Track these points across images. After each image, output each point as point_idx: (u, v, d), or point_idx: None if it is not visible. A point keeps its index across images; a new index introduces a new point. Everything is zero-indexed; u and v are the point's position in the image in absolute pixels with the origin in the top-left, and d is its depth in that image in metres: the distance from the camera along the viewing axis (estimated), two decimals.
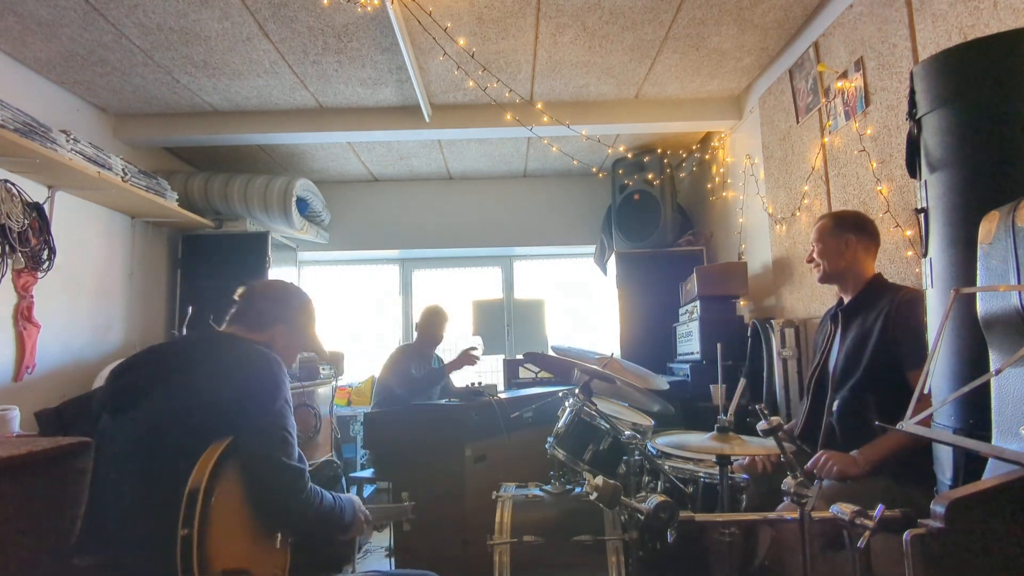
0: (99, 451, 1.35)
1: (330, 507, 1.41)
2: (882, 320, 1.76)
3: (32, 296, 2.86)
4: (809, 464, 1.69)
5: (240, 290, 1.61)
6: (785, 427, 1.53)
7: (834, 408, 1.83)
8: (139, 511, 1.24)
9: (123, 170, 3.20)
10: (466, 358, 3.42)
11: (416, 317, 3.72)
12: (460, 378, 3.80)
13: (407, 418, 2.54)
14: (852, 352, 1.82)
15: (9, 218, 2.67)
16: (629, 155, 4.15)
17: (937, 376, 1.27)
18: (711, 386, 1.75)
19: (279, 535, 1.36)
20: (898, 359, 1.71)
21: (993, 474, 1.02)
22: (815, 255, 1.98)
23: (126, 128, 3.64)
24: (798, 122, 2.92)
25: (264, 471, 1.28)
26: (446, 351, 4.01)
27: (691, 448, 1.73)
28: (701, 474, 1.91)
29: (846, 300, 1.96)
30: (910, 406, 1.08)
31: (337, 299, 5.35)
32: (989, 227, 1.07)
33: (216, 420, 1.29)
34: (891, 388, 1.69)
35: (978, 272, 1.10)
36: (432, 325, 3.60)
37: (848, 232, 1.93)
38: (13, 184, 2.74)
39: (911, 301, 1.75)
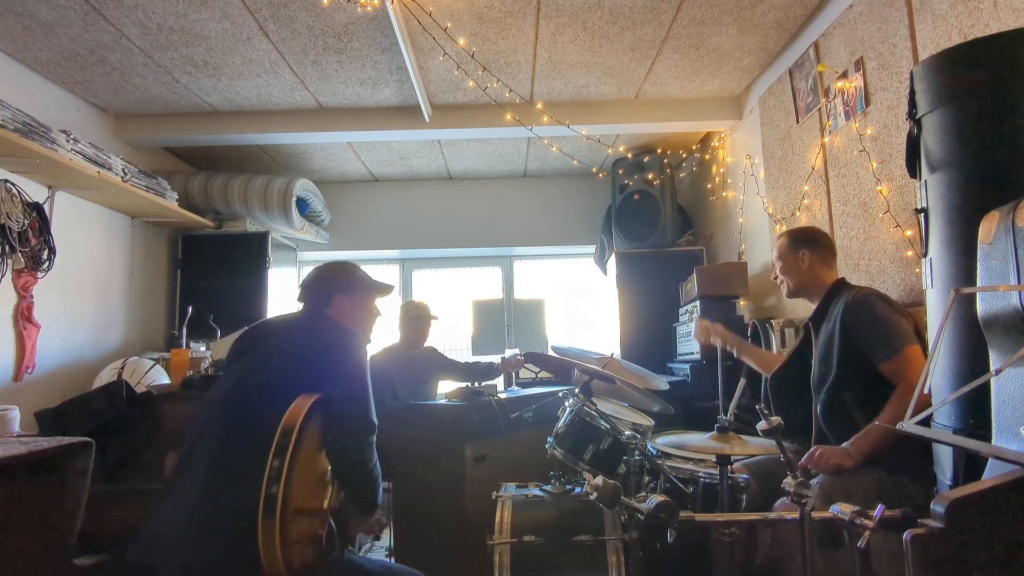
0: (207, 397, 1.59)
1: (378, 474, 1.59)
2: (839, 322, 1.83)
3: (32, 296, 2.86)
4: (803, 460, 1.70)
5: (302, 281, 1.83)
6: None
7: (818, 412, 1.89)
8: (228, 444, 1.42)
9: (123, 170, 3.20)
10: (515, 364, 3.37)
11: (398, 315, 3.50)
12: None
13: (407, 418, 2.53)
14: (823, 357, 1.90)
15: (9, 218, 2.67)
16: (629, 155, 4.15)
17: (937, 376, 1.27)
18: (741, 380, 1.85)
19: (329, 493, 1.49)
20: (865, 355, 1.76)
21: (993, 474, 1.02)
22: (778, 272, 2.12)
23: (126, 128, 3.63)
24: (798, 122, 2.92)
25: (344, 415, 1.47)
26: (447, 351, 3.99)
27: (691, 448, 1.73)
28: (701, 474, 1.92)
29: (814, 309, 2.05)
30: (910, 407, 1.08)
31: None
32: (989, 227, 1.07)
33: (303, 372, 1.50)
34: (864, 383, 1.76)
35: (978, 272, 1.10)
36: (426, 326, 3.42)
37: (802, 247, 2.05)
38: (13, 184, 2.74)
39: (860, 299, 1.82)
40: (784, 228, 3.07)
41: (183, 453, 1.47)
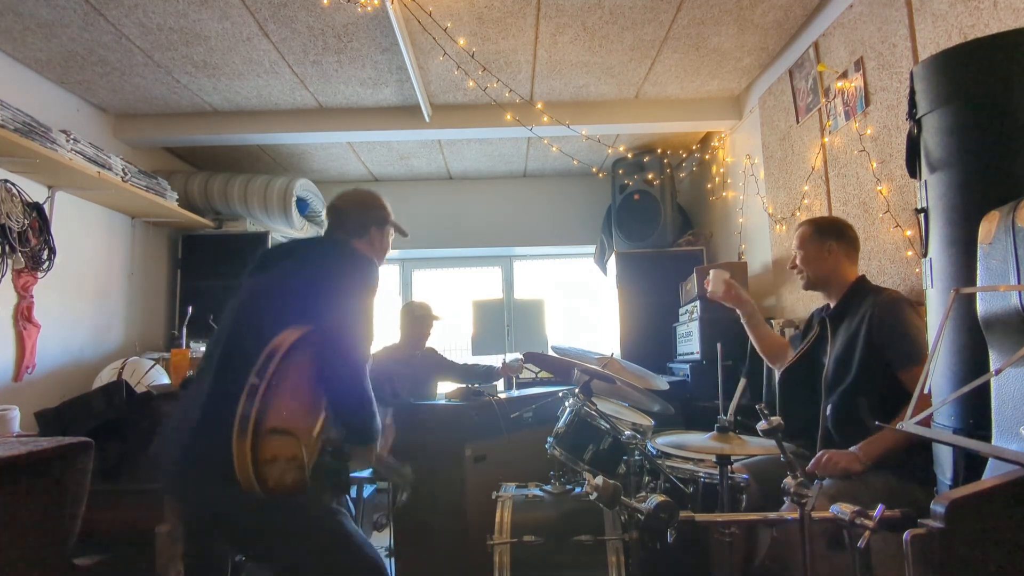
0: (225, 309, 1.61)
1: (371, 405, 1.51)
2: (866, 325, 1.79)
3: (32, 296, 2.86)
4: (811, 465, 1.69)
5: (331, 203, 1.82)
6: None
7: (828, 413, 1.85)
8: (225, 358, 1.46)
9: (123, 170, 3.20)
10: (515, 368, 3.33)
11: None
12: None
13: (407, 418, 2.53)
14: (841, 357, 1.85)
15: (9, 218, 2.67)
16: (629, 155, 4.15)
17: (937, 376, 1.27)
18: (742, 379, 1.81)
19: (320, 421, 1.47)
20: (887, 361, 1.73)
21: (993, 474, 1.02)
22: (798, 262, 2.02)
23: (126, 128, 3.63)
24: (798, 122, 2.92)
25: (339, 343, 1.44)
26: (447, 351, 3.99)
27: (691, 448, 1.73)
28: (701, 474, 1.91)
29: (832, 305, 1.99)
30: (910, 406, 1.08)
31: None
32: (989, 227, 1.07)
33: (312, 298, 1.49)
34: (882, 390, 1.72)
35: (978, 272, 1.10)
36: (428, 326, 3.40)
37: (829, 239, 1.97)
38: (13, 184, 2.74)
39: (891, 303, 1.78)
40: (784, 228, 3.07)
41: (201, 360, 1.56)
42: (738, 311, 2.26)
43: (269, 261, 1.66)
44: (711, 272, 2.27)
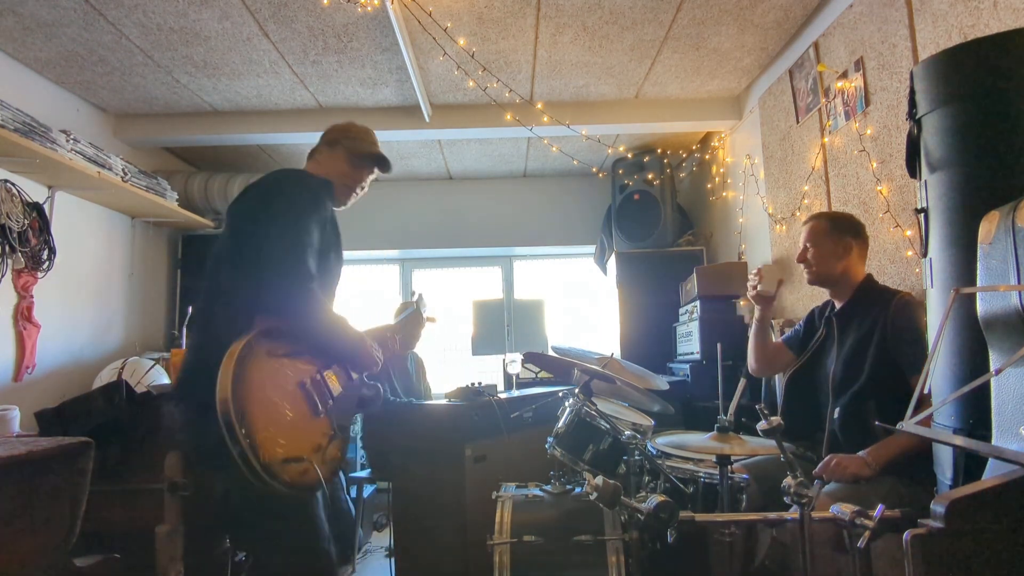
0: None
1: (324, 319, 1.53)
2: (879, 327, 1.76)
3: (32, 296, 2.86)
4: (819, 468, 1.68)
5: None
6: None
7: (835, 415, 1.83)
8: (203, 312, 1.54)
9: (123, 170, 3.20)
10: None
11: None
12: (460, 377, 3.78)
13: (407, 418, 2.53)
14: (851, 359, 1.82)
15: (9, 218, 2.67)
16: (629, 155, 4.15)
17: (937, 376, 1.27)
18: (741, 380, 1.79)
19: (325, 431, 1.52)
20: (900, 365, 1.71)
21: (993, 474, 1.02)
22: (809, 257, 1.94)
23: (126, 128, 3.63)
24: (798, 122, 2.92)
25: (275, 277, 1.43)
26: (447, 352, 3.99)
27: (691, 448, 1.73)
28: (701, 474, 1.91)
29: (838, 305, 1.95)
30: (910, 406, 1.08)
31: (336, 299, 5.34)
32: (989, 227, 1.07)
33: (242, 223, 1.54)
34: (893, 393, 1.69)
35: (978, 272, 1.10)
36: (421, 327, 3.21)
37: (847, 236, 1.90)
38: (13, 184, 2.74)
39: (907, 306, 1.75)
40: (784, 228, 3.07)
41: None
42: (757, 310, 2.16)
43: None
44: (762, 269, 2.12)
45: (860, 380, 1.77)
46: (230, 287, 1.49)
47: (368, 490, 3.78)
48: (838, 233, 1.91)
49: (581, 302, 5.34)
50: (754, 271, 2.13)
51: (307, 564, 1.45)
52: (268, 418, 1.36)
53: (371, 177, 1.89)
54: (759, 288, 2.10)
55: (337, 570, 1.50)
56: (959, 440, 1.12)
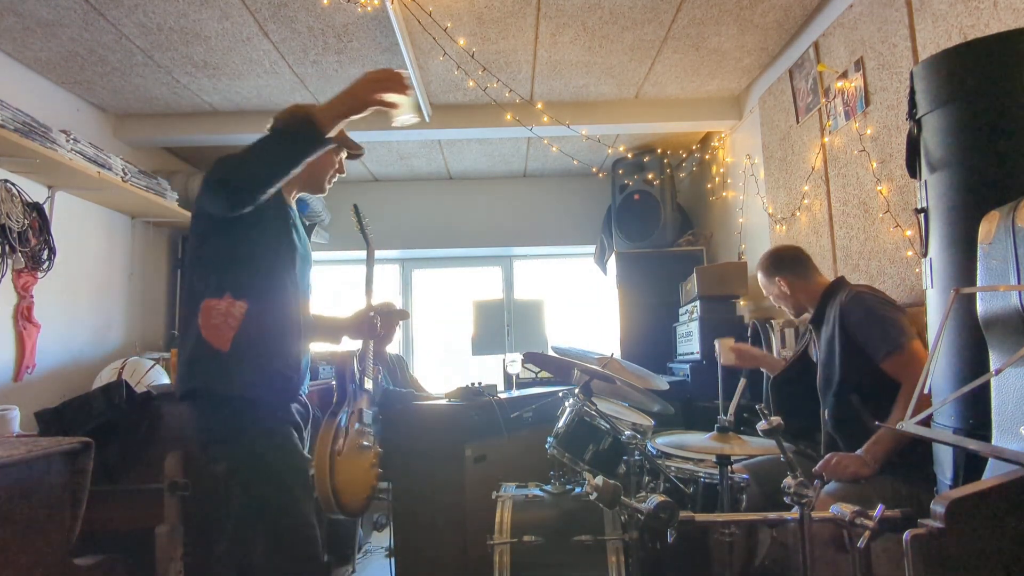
0: None
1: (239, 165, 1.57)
2: (837, 325, 1.83)
3: (32, 296, 2.86)
4: (818, 467, 1.69)
5: None
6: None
7: (827, 417, 1.88)
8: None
9: (123, 170, 3.19)
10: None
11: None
12: (460, 377, 3.79)
13: (407, 418, 2.53)
14: (826, 361, 1.89)
15: (9, 218, 2.67)
16: (629, 155, 4.15)
17: (937, 376, 1.27)
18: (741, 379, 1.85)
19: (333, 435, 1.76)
20: (867, 354, 1.76)
21: (993, 474, 1.02)
22: (772, 302, 2.15)
23: (126, 128, 3.63)
24: (798, 122, 2.92)
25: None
26: (447, 351, 3.99)
27: (691, 448, 1.73)
28: (701, 474, 1.91)
29: (811, 314, 2.05)
30: (911, 406, 1.08)
31: (337, 299, 5.35)
32: (989, 227, 1.07)
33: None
34: (871, 384, 1.74)
35: (978, 272, 1.10)
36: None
37: (775, 274, 2.08)
38: (13, 184, 2.74)
39: (854, 298, 1.83)
40: (784, 228, 3.07)
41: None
42: (763, 369, 2.33)
43: None
44: (716, 344, 2.37)
45: (836, 378, 1.82)
46: (197, 274, 1.63)
47: None
48: (770, 274, 2.09)
49: (581, 302, 5.35)
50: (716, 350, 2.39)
51: (296, 546, 1.51)
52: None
53: (342, 156, 1.93)
54: (721, 362, 2.37)
55: (322, 551, 1.57)
56: (959, 440, 1.12)
